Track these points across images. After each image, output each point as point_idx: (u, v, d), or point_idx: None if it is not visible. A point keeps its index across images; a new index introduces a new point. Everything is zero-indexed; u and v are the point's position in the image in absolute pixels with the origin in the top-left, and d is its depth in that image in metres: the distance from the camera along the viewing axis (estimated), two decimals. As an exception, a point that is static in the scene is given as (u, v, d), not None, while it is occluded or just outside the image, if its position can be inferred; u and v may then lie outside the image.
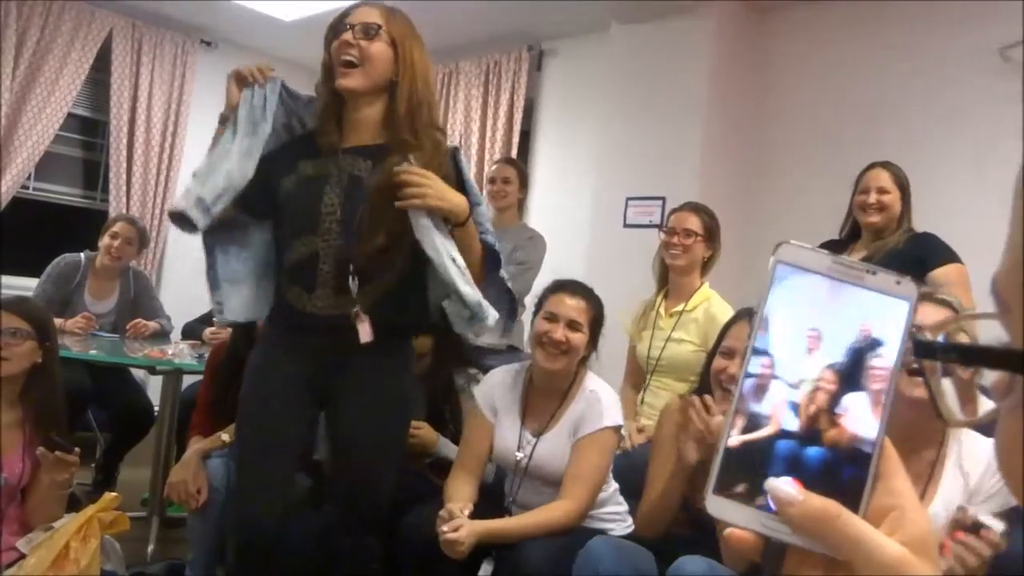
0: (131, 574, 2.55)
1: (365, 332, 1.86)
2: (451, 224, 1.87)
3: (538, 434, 2.30)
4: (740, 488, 0.45)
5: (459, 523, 2.00)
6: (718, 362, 2.15)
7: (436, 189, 1.82)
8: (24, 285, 4.22)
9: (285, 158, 1.96)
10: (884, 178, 2.93)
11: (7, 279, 4.66)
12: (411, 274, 1.94)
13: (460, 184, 1.94)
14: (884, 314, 0.47)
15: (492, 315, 1.87)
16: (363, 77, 1.89)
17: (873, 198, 2.91)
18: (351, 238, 1.86)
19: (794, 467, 0.45)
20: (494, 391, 2.41)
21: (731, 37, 4.37)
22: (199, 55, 5.83)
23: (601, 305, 2.38)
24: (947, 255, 2.80)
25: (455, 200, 1.86)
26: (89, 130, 5.71)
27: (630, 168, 4.57)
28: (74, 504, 2.34)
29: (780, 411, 0.46)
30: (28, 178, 5.26)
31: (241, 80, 1.93)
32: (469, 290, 1.83)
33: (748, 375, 0.46)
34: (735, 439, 0.45)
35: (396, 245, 1.88)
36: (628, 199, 4.52)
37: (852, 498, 0.44)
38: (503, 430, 2.35)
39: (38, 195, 5.46)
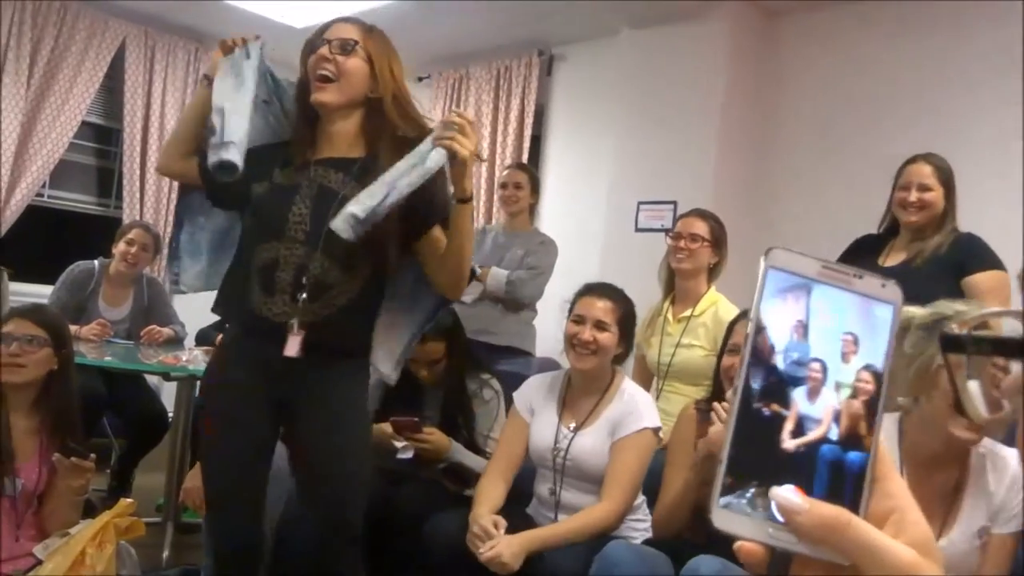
0: (146, 580, 2.56)
1: (293, 347, 1.84)
2: (455, 198, 1.87)
3: (576, 430, 2.33)
4: (744, 499, 0.44)
5: (495, 543, 2.03)
6: (727, 360, 2.21)
7: (473, 147, 1.81)
8: (39, 292, 4.24)
9: (262, 164, 1.97)
10: (926, 173, 2.72)
11: (22, 286, 4.69)
12: (363, 298, 1.93)
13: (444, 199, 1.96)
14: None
15: (344, 230, 1.77)
16: (338, 92, 1.90)
17: (914, 196, 2.71)
18: (314, 248, 1.86)
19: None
20: (532, 393, 2.47)
21: (743, 41, 4.37)
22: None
23: (630, 304, 2.42)
24: (987, 261, 2.64)
25: (471, 176, 1.87)
26: (103, 138, 5.75)
27: (641, 172, 4.57)
28: (90, 510, 2.35)
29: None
30: (43, 186, 5.30)
31: (227, 49, 2.00)
32: (367, 203, 1.76)
33: (762, 379, 0.46)
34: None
35: (358, 264, 1.88)
36: (639, 203, 4.53)
37: (852, 503, 0.44)
38: (540, 426, 2.39)
39: (53, 203, 5.50)
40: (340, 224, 1.75)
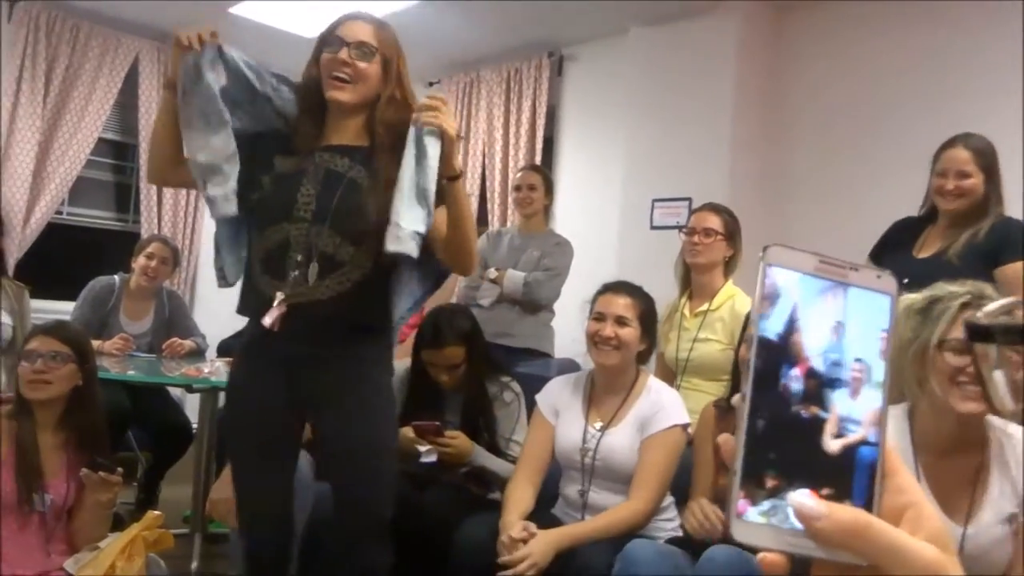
0: (176, 591, 2.58)
1: (270, 317, 1.86)
2: (446, 176, 1.88)
3: (603, 429, 2.33)
4: (761, 508, 0.43)
5: (524, 554, 2.03)
6: (744, 350, 2.19)
7: (450, 118, 1.85)
8: (61, 309, 4.28)
9: (261, 155, 1.98)
10: (964, 159, 2.55)
11: (44, 303, 4.73)
12: (377, 273, 1.94)
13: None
14: (848, 301, 0.47)
15: (412, 249, 1.82)
16: (354, 93, 1.93)
17: (951, 184, 2.55)
18: (322, 224, 1.89)
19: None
20: (555, 395, 2.47)
21: (752, 35, 4.35)
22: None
23: (650, 300, 2.43)
24: (1022, 248, 2.45)
25: (457, 152, 1.90)
26: (120, 154, 5.80)
27: (655, 170, 4.56)
28: (118, 523, 2.37)
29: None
30: (62, 203, 5.35)
31: (184, 47, 1.86)
32: (422, 215, 1.82)
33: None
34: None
35: (369, 239, 1.89)
36: (654, 201, 4.52)
37: (865, 501, 0.44)
38: (566, 427, 2.38)
39: (72, 219, 5.56)
40: (408, 245, 1.80)
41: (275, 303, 1.86)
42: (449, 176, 1.88)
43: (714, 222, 2.94)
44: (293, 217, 1.90)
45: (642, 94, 4.69)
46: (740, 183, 4.22)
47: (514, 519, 2.16)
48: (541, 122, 5.29)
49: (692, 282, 3.04)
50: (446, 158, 1.86)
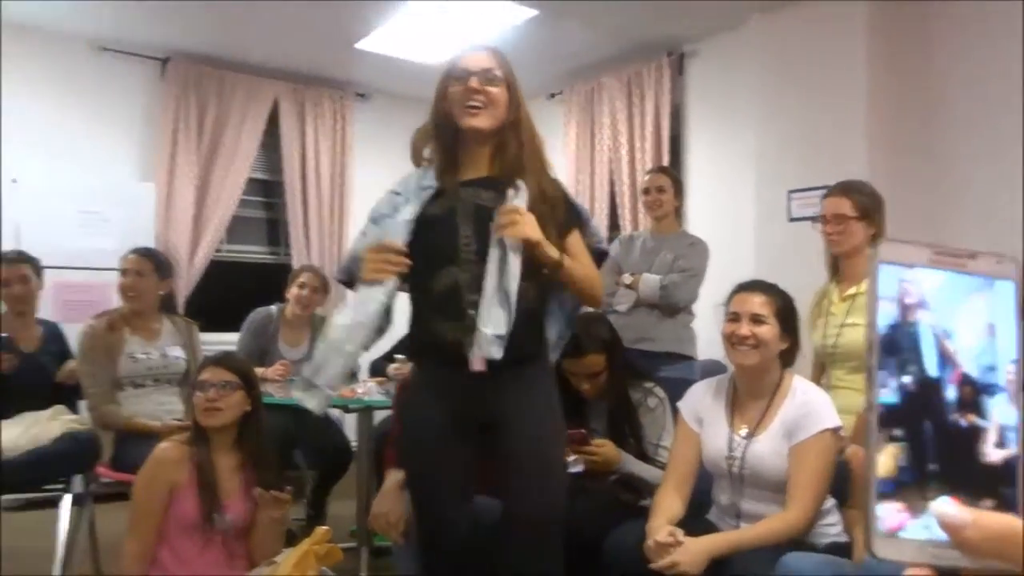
0: (346, 602, 2.70)
1: (479, 361, 1.91)
2: (546, 267, 1.93)
3: (749, 436, 2.27)
4: (924, 522, 0.41)
5: (673, 560, 2.01)
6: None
7: (530, 222, 1.89)
8: (226, 340, 4.58)
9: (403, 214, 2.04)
10: None
11: (212, 336, 5.08)
12: (539, 301, 2.00)
13: (567, 207, 2.03)
14: (996, 298, 0.44)
15: (498, 352, 1.87)
16: (489, 118, 1.98)
17: None
18: (484, 267, 1.94)
19: None
20: (697, 402, 2.41)
21: (884, 14, 4.14)
22: (355, 108, 6.22)
23: (787, 297, 2.32)
24: None
25: (551, 244, 1.93)
26: (268, 191, 6.19)
27: (788, 161, 4.42)
28: (291, 539, 2.51)
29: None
30: (220, 242, 5.76)
31: (372, 277, 1.94)
32: (504, 317, 1.87)
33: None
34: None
35: (534, 271, 1.94)
36: (790, 192, 4.38)
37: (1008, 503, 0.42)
38: (711, 436, 2.33)
39: (230, 256, 5.97)
40: (491, 349, 1.86)
41: (474, 349, 1.90)
42: (552, 269, 1.94)
43: (844, 206, 2.77)
44: (459, 260, 1.96)
45: (768, 84, 4.56)
46: (879, 165, 4.02)
47: (661, 523, 2.13)
48: (665, 122, 5.24)
49: (841, 266, 2.90)
50: (541, 258, 1.92)
